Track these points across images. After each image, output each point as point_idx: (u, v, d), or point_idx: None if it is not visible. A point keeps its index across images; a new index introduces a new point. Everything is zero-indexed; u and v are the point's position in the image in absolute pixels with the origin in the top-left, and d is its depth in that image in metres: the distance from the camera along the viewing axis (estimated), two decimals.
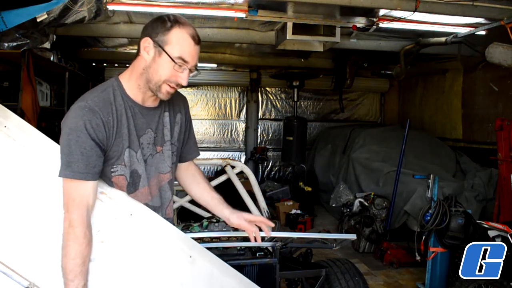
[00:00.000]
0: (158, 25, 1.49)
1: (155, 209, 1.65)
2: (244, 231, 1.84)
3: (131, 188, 1.58)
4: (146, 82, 1.52)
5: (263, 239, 2.57)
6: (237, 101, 8.88)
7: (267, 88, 8.91)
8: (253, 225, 1.78)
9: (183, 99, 1.80)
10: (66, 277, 1.39)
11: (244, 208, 3.09)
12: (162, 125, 1.65)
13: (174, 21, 1.48)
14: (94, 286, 1.46)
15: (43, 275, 1.44)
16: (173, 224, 1.69)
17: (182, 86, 1.55)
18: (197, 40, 1.51)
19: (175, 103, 1.73)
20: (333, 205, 6.07)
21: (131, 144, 1.54)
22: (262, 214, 3.17)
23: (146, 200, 1.63)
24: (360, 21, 4.31)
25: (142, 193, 1.61)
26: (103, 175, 1.53)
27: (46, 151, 1.53)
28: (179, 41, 1.47)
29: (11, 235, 1.47)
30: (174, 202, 3.50)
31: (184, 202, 3.53)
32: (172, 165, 1.71)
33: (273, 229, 1.88)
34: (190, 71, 1.53)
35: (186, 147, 1.82)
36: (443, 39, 4.68)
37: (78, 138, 1.40)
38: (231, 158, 8.28)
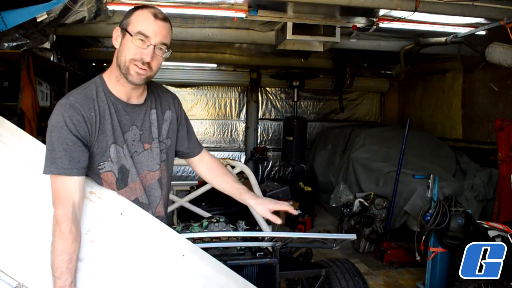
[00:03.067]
0: (126, 14, 1.54)
1: (144, 206, 1.65)
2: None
3: (121, 184, 1.58)
4: (119, 70, 1.52)
5: (263, 239, 2.58)
6: (237, 101, 8.88)
7: (267, 88, 8.91)
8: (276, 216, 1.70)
9: (173, 96, 1.80)
10: (53, 274, 1.39)
11: (244, 208, 3.09)
12: (148, 122, 1.65)
13: (140, 6, 1.53)
14: (85, 285, 1.45)
15: (32, 275, 1.44)
16: (167, 223, 1.69)
17: (151, 68, 1.52)
18: (159, 17, 1.50)
19: (163, 100, 1.72)
20: (333, 205, 6.07)
21: (116, 140, 1.55)
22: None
23: (136, 195, 1.63)
24: (360, 21, 4.31)
25: (131, 188, 1.61)
26: (92, 173, 1.54)
27: (37, 154, 1.53)
28: (139, 19, 1.49)
29: (0, 236, 1.47)
30: (174, 202, 3.51)
31: (184, 202, 3.53)
32: (161, 163, 1.69)
33: (273, 229, 1.88)
34: (158, 49, 1.51)
35: (190, 143, 1.83)
36: (443, 39, 4.68)
37: (60, 134, 1.42)
38: (231, 158, 8.29)
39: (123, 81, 1.54)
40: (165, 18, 1.53)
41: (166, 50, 1.54)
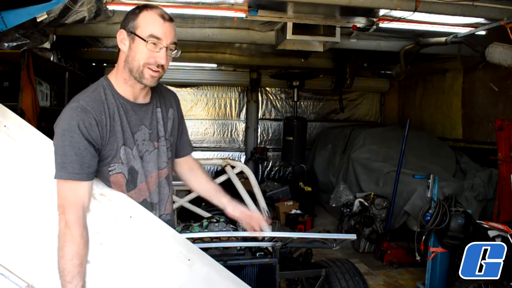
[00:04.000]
0: (128, 16, 1.52)
1: (153, 205, 1.65)
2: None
3: (131, 185, 1.58)
4: (130, 72, 1.52)
5: (263, 239, 2.58)
6: (237, 101, 8.88)
7: (267, 88, 8.91)
8: (248, 219, 1.84)
9: (174, 95, 1.82)
10: (64, 279, 1.38)
11: None
12: (155, 121, 1.66)
13: (142, 7, 1.52)
14: None
15: (41, 277, 1.44)
16: (174, 221, 1.70)
17: (164, 68, 1.54)
18: (167, 18, 1.51)
19: (166, 98, 1.74)
20: (333, 205, 6.07)
21: (126, 141, 1.55)
22: (262, 214, 3.17)
23: (145, 197, 1.63)
24: (360, 21, 4.31)
25: (140, 189, 1.61)
26: (101, 176, 1.53)
27: (45, 151, 1.53)
28: (148, 21, 1.48)
29: (9, 236, 1.47)
30: (174, 202, 3.51)
31: (184, 202, 3.52)
32: (168, 161, 1.71)
33: (273, 229, 1.89)
34: (169, 50, 1.52)
35: (180, 143, 1.84)
36: (443, 39, 4.68)
37: (72, 138, 1.40)
38: (231, 158, 8.29)
39: (132, 83, 1.55)
40: (171, 18, 1.53)
41: (176, 49, 1.55)
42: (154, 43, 1.48)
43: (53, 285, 1.41)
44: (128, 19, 1.52)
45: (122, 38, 1.52)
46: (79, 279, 1.39)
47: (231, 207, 1.83)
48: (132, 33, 1.49)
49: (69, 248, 1.38)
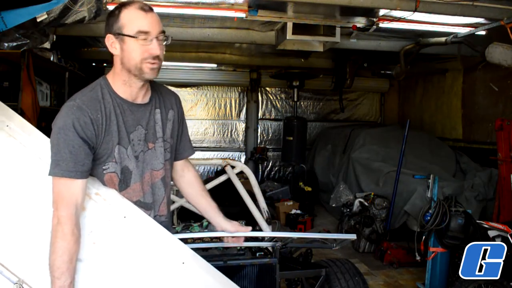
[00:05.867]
0: (110, 19, 1.52)
1: (147, 205, 1.65)
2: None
3: (123, 185, 1.59)
4: (128, 73, 1.53)
5: (263, 239, 2.58)
6: (237, 101, 8.88)
7: (267, 88, 8.90)
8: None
9: (175, 96, 1.81)
10: (53, 275, 1.39)
11: (244, 208, 3.09)
12: (153, 121, 1.65)
13: (119, 6, 1.52)
14: (83, 286, 1.46)
15: (33, 272, 1.45)
16: (171, 223, 1.69)
17: (160, 59, 1.54)
18: (147, 9, 1.51)
19: (166, 99, 1.73)
20: (333, 205, 6.07)
21: (121, 140, 1.55)
22: (262, 214, 3.17)
23: (138, 197, 1.63)
24: (360, 21, 4.31)
25: (133, 189, 1.61)
26: (95, 175, 1.54)
27: (45, 151, 1.54)
28: (131, 18, 1.49)
29: (6, 232, 1.48)
30: (173, 202, 3.51)
31: (184, 202, 3.52)
32: (165, 162, 1.71)
33: (273, 229, 1.89)
34: (159, 39, 1.52)
35: (181, 145, 1.83)
36: (443, 39, 4.68)
37: (67, 136, 1.42)
38: (231, 158, 8.28)
39: (132, 82, 1.55)
40: (151, 8, 1.54)
41: (165, 36, 1.55)
42: (144, 38, 1.48)
43: (43, 281, 1.42)
44: (111, 23, 1.51)
45: (111, 43, 1.52)
46: (68, 275, 1.40)
47: (231, 228, 1.85)
48: (119, 35, 1.49)
49: (60, 244, 1.39)
